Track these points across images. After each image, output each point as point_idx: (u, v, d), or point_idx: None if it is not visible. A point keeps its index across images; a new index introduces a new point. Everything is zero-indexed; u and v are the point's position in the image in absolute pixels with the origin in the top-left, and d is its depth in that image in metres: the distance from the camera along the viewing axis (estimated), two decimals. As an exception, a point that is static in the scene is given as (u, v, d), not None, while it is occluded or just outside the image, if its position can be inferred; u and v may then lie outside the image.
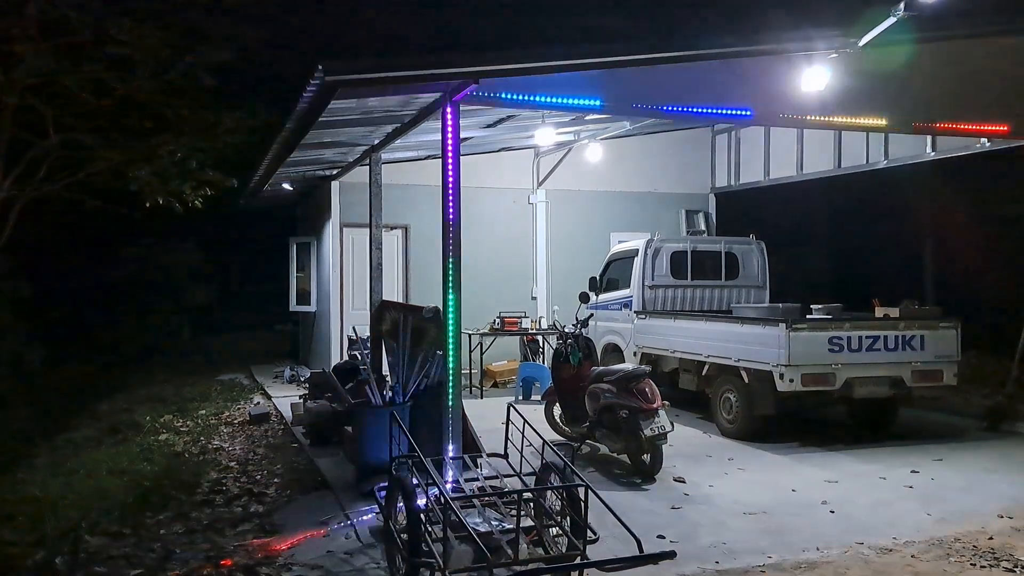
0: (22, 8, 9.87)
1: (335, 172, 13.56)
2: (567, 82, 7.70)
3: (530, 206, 15.51)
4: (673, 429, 8.15)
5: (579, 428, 8.84)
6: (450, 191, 7.19)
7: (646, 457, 8.01)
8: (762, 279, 12.96)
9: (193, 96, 10.50)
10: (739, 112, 8.58)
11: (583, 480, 4.94)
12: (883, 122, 9.18)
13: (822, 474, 8.13)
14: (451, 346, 7.25)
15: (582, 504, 4.88)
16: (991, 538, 6.24)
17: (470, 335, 12.93)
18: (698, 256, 12.72)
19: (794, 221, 22.49)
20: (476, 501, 5.41)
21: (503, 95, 7.56)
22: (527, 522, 5.19)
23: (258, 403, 13.04)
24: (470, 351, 12.97)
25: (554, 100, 7.79)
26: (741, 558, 5.82)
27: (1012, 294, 16.76)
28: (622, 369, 8.50)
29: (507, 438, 6.05)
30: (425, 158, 13.29)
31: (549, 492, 5.31)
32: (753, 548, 6.02)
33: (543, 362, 13.43)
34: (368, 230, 10.81)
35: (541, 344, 14.10)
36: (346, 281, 14.62)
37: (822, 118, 8.81)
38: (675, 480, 7.91)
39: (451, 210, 7.19)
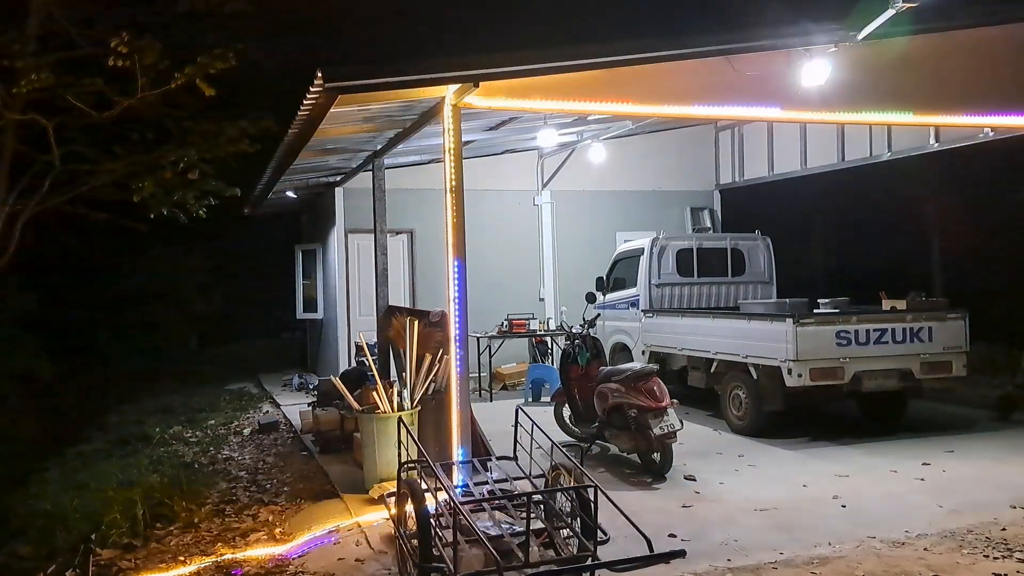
0: (23, 23, 9.90)
1: (339, 178, 13.58)
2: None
3: (535, 207, 15.51)
4: (682, 427, 8.14)
5: (588, 428, 8.82)
6: (453, 194, 7.18)
7: (656, 456, 7.99)
8: (768, 275, 12.92)
9: (194, 106, 10.50)
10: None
11: (593, 481, 4.93)
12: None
13: (833, 468, 8.10)
14: (459, 350, 7.25)
15: (592, 505, 4.86)
16: (1004, 529, 6.21)
17: (478, 338, 12.92)
18: (704, 253, 12.68)
19: (799, 216, 22.46)
20: (486, 504, 5.40)
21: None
22: (538, 524, 5.17)
23: (267, 412, 13.06)
24: (478, 354, 12.97)
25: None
26: (753, 555, 5.80)
27: (1020, 283, 16.70)
28: (630, 368, 8.46)
29: (516, 440, 6.04)
30: (428, 162, 13.29)
31: (559, 494, 5.30)
32: (764, 544, 6.00)
33: (552, 363, 13.41)
34: (373, 235, 10.82)
35: (550, 345, 14.08)
36: (352, 287, 14.64)
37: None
38: (685, 478, 7.90)
39: (455, 213, 7.18)
